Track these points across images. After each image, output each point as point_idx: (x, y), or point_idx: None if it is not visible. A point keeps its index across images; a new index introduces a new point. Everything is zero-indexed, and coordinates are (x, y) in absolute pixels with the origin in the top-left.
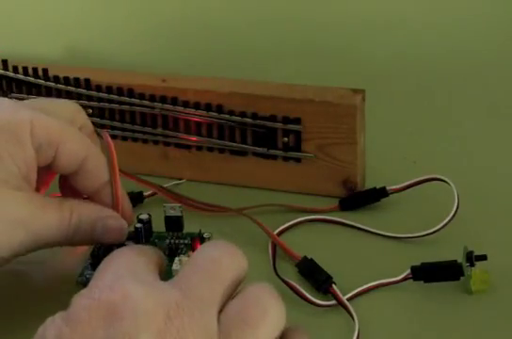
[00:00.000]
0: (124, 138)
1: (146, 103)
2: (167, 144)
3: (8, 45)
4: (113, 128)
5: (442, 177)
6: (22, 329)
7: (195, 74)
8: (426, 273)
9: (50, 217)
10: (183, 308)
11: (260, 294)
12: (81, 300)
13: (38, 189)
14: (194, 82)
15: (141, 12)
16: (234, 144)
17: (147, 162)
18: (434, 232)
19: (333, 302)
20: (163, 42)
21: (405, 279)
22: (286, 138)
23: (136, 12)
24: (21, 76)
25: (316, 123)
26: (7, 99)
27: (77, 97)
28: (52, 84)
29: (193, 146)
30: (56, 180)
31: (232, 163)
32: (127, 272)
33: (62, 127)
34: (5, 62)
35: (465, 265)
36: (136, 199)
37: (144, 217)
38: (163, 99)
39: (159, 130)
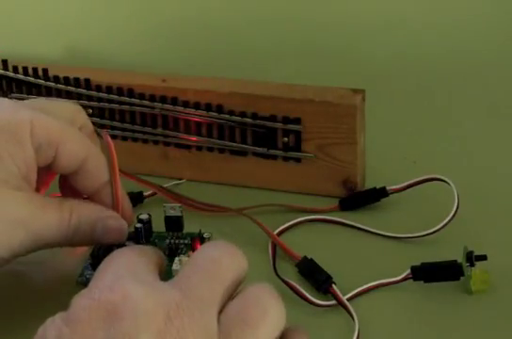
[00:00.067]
0: (124, 138)
1: (146, 103)
2: (167, 144)
3: (8, 45)
4: (113, 128)
5: (442, 177)
6: (22, 329)
7: (195, 74)
8: (426, 273)
9: (50, 217)
10: (183, 308)
11: (260, 294)
12: (81, 301)
13: (38, 189)
14: (194, 82)
15: (141, 12)
16: (234, 144)
17: (147, 162)
18: (434, 232)
19: (333, 302)
20: (163, 42)
21: (405, 279)
22: (286, 138)
23: (135, 12)
24: (21, 76)
25: (316, 123)
26: (6, 99)
27: (77, 97)
28: (52, 84)
29: (193, 146)
30: (56, 180)
31: (232, 163)
32: (127, 272)
33: (62, 127)
34: (5, 62)
35: (465, 265)
36: (136, 199)
37: (144, 217)
38: (163, 99)
39: (159, 130)
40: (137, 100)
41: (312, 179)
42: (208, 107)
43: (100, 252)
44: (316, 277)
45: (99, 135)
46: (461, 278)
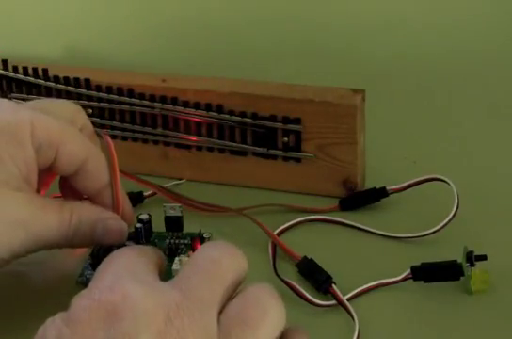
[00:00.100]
0: (124, 138)
1: (146, 103)
2: (167, 144)
3: (8, 45)
4: (113, 128)
5: (442, 177)
6: (22, 329)
7: (195, 74)
8: (426, 273)
9: (50, 218)
10: (183, 309)
11: (260, 294)
12: (81, 301)
13: (38, 190)
14: (194, 82)
15: (141, 12)
16: (234, 144)
17: (147, 162)
18: (434, 232)
19: (333, 302)
20: (163, 42)
21: (405, 279)
22: (286, 138)
23: (135, 12)
24: (21, 76)
25: (316, 123)
26: (6, 100)
27: (77, 97)
28: (52, 84)
29: (193, 146)
30: (57, 180)
31: (232, 163)
32: (127, 273)
33: (62, 128)
34: (5, 62)
35: (465, 265)
36: (136, 199)
37: (144, 217)
38: (163, 99)
39: (159, 130)
40: (137, 100)
41: (312, 179)
42: (208, 107)
43: (100, 252)
44: (316, 277)
45: (99, 135)
46: (461, 278)
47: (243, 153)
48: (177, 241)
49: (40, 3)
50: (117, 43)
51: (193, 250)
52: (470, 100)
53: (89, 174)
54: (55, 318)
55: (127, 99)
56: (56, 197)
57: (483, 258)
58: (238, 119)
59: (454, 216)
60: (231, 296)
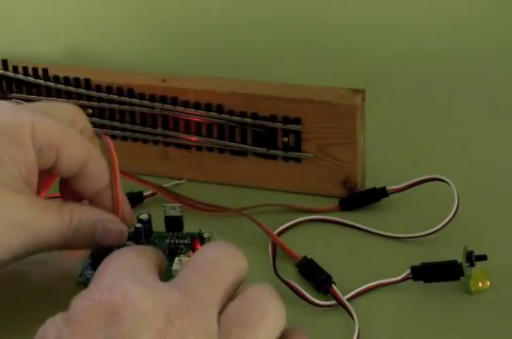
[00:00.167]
0: (124, 138)
1: (146, 103)
2: (167, 144)
3: (8, 45)
4: (113, 128)
5: (442, 177)
6: (22, 329)
7: (195, 74)
8: (426, 273)
9: (50, 219)
10: (183, 309)
11: (260, 294)
12: (81, 301)
13: (38, 192)
14: (194, 82)
15: (141, 12)
16: (234, 144)
17: (147, 162)
18: (434, 232)
19: (333, 302)
20: (163, 42)
21: (405, 279)
22: (286, 138)
23: (135, 12)
24: (21, 76)
25: (316, 123)
26: (6, 102)
27: (77, 97)
28: (52, 84)
29: (193, 146)
30: (57, 182)
31: (232, 163)
32: (127, 273)
33: (63, 130)
34: (5, 62)
35: (465, 265)
36: (136, 199)
37: (144, 217)
38: (163, 99)
39: (159, 130)
40: (137, 100)
41: (312, 179)
42: (208, 107)
43: (99, 253)
44: (316, 277)
45: (99, 136)
46: (461, 278)
47: (243, 153)
48: (177, 241)
49: (40, 3)
50: (117, 43)
51: (193, 250)
52: (470, 100)
53: (90, 176)
54: (55, 319)
55: (127, 99)
56: (54, 197)
57: (483, 258)
58: (238, 119)
59: (454, 216)
60: (231, 296)
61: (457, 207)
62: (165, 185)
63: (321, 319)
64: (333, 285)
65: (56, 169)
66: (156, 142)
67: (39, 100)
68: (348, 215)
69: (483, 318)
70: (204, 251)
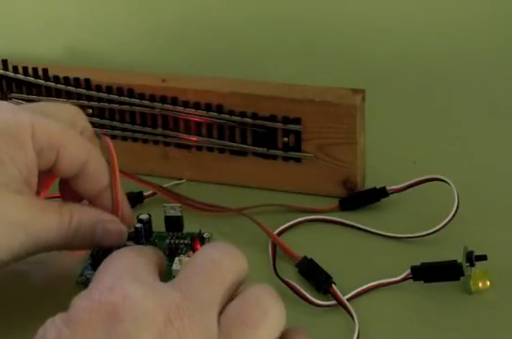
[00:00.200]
0: (124, 138)
1: (146, 103)
2: (167, 144)
3: (8, 45)
4: (113, 128)
5: (442, 177)
6: (22, 329)
7: (195, 74)
8: (426, 273)
9: (50, 220)
10: (183, 309)
11: (260, 295)
12: (81, 302)
13: (38, 192)
14: (194, 82)
15: (141, 12)
16: (234, 144)
17: (147, 162)
18: (434, 232)
19: (333, 302)
20: (163, 42)
21: (405, 279)
22: (286, 138)
23: (135, 12)
24: (21, 76)
25: (316, 123)
26: (6, 102)
27: (77, 97)
28: (52, 84)
29: (193, 146)
30: (56, 182)
31: (232, 163)
32: (127, 273)
33: (63, 130)
34: (5, 62)
35: (465, 265)
36: (136, 199)
37: (144, 217)
38: (163, 99)
39: (159, 130)
40: (137, 100)
41: (312, 179)
42: (208, 107)
43: (99, 253)
44: (316, 277)
45: (98, 136)
46: (461, 278)
47: (243, 153)
48: (177, 241)
49: (40, 3)
50: (117, 43)
51: (193, 250)
52: (470, 100)
53: (89, 176)
54: (55, 319)
55: (127, 99)
56: (54, 197)
57: (483, 258)
58: (238, 119)
59: (454, 216)
60: (231, 296)
61: (457, 207)
62: (165, 185)
63: (321, 319)
64: (333, 285)
65: (56, 170)
66: (156, 142)
67: (39, 100)
68: (348, 215)
69: (483, 318)
70: (204, 252)
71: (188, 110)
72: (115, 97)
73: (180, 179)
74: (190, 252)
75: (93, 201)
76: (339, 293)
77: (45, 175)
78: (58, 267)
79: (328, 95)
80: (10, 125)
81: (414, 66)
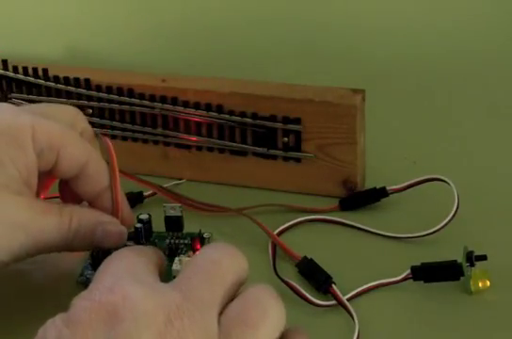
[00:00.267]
0: (124, 138)
1: (146, 103)
2: (167, 144)
3: (8, 45)
4: (113, 128)
5: (442, 177)
6: (22, 329)
7: (195, 74)
8: (426, 273)
9: (50, 221)
10: (183, 310)
11: (260, 295)
12: (81, 302)
13: (37, 194)
14: (194, 82)
15: (141, 12)
16: (234, 144)
17: (147, 162)
18: (434, 232)
19: (333, 302)
20: (163, 42)
21: (405, 279)
22: (286, 138)
23: (135, 12)
24: (21, 76)
25: (316, 123)
26: (6, 104)
27: (77, 97)
28: (52, 84)
29: (193, 146)
30: (56, 182)
31: (232, 163)
32: (127, 273)
33: (63, 132)
34: (5, 62)
35: (465, 265)
36: (136, 199)
37: (144, 217)
38: (163, 99)
39: (159, 130)
40: (137, 100)
41: (312, 179)
42: (208, 107)
43: (99, 253)
44: (316, 277)
45: (98, 136)
46: (461, 278)
47: (243, 153)
48: (177, 241)
49: (40, 3)
50: (117, 43)
51: (193, 250)
52: (470, 100)
53: (89, 178)
54: (55, 319)
55: (127, 99)
56: (53, 197)
57: (483, 258)
58: (238, 119)
59: (454, 216)
60: (231, 297)
61: (457, 207)
62: (165, 185)
63: (321, 319)
64: (333, 285)
65: (56, 171)
66: (156, 142)
67: (39, 100)
68: (348, 215)
69: (483, 318)
70: (205, 252)
71: (188, 110)
72: (115, 97)
73: (180, 179)
74: (190, 252)
75: (93, 203)
76: (339, 293)
77: (45, 176)
78: (58, 267)
79: (328, 95)
80: (11, 126)
81: (414, 66)
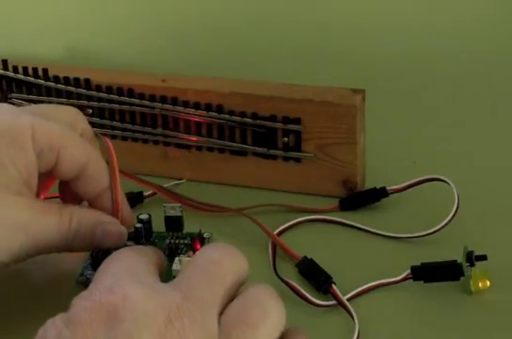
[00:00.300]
0: (124, 138)
1: (146, 103)
2: (167, 144)
3: (8, 45)
4: (113, 128)
5: (442, 177)
6: (22, 329)
7: (195, 74)
8: (426, 273)
9: (50, 221)
10: (183, 310)
11: (260, 295)
12: (81, 302)
13: (37, 194)
14: (194, 82)
15: (141, 12)
16: (234, 144)
17: (147, 162)
18: (434, 232)
19: (333, 302)
20: (163, 42)
21: (405, 279)
22: (286, 138)
23: (135, 12)
24: (21, 76)
25: (316, 123)
26: (6, 104)
27: (77, 97)
28: (52, 84)
29: (193, 146)
30: (57, 183)
31: (232, 163)
32: (127, 274)
33: (63, 132)
34: (5, 62)
35: (465, 265)
36: (136, 199)
37: (144, 217)
38: (163, 99)
39: (159, 130)
40: (137, 100)
41: (312, 179)
42: (208, 107)
43: (99, 253)
44: (316, 277)
45: (98, 136)
46: (461, 278)
47: (243, 153)
48: (177, 241)
49: (40, 3)
50: (117, 43)
51: (193, 250)
52: (470, 100)
53: (89, 178)
54: (55, 319)
55: (127, 99)
56: (53, 197)
57: (483, 258)
58: (238, 119)
59: (454, 216)
60: (231, 297)
61: (457, 207)
62: (165, 185)
63: (321, 319)
64: (333, 285)
65: (56, 172)
66: (156, 142)
67: (39, 100)
68: (348, 215)
69: (483, 318)
70: (205, 252)
71: (188, 110)
72: (115, 97)
73: (180, 179)
74: (190, 252)
75: (93, 203)
76: (339, 293)
77: (45, 177)
78: (58, 267)
79: (327, 95)
80: (11, 127)
81: (414, 66)
